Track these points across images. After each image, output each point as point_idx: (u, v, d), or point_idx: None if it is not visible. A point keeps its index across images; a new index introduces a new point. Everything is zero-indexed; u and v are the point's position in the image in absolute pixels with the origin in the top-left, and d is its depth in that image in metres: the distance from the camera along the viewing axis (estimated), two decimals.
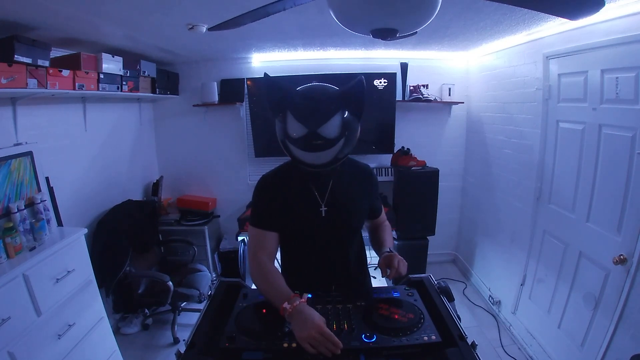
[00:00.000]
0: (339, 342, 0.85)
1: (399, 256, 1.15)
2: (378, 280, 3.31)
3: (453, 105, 3.42)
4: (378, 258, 1.24)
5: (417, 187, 3.09)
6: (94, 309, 1.98)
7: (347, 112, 1.04)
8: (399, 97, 3.25)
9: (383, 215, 1.41)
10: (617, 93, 1.70)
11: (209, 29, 1.51)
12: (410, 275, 1.24)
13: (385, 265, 1.14)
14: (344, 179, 1.20)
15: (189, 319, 2.78)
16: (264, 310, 1.03)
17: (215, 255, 3.35)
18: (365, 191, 1.26)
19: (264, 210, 1.17)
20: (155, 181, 3.33)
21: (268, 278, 1.07)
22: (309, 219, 1.16)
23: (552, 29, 2.12)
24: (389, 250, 1.22)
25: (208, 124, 3.45)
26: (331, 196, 1.17)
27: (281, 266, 1.31)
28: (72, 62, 2.08)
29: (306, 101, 1.04)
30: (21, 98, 1.89)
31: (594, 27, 1.82)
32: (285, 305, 0.94)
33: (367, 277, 1.37)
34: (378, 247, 1.31)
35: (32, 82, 1.76)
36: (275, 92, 1.08)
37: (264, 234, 1.15)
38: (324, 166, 1.08)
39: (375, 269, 3.48)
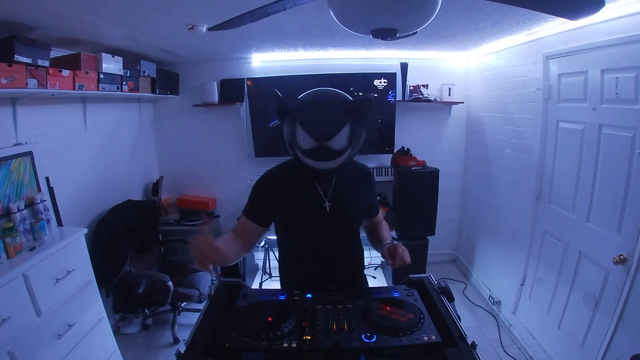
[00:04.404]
0: (218, 248, 0.96)
1: (402, 245, 1.18)
2: (378, 280, 3.33)
3: (453, 105, 3.42)
4: (379, 255, 1.27)
5: (417, 187, 3.09)
6: (94, 309, 1.98)
7: (354, 124, 1.08)
8: (399, 97, 3.25)
9: (380, 215, 1.45)
10: (617, 93, 1.70)
11: (209, 29, 1.51)
12: (410, 275, 1.25)
13: (390, 255, 1.17)
14: (346, 177, 1.23)
15: (189, 319, 2.78)
16: (265, 312, 1.03)
17: None
18: (365, 189, 1.31)
19: (258, 204, 1.21)
20: (155, 181, 3.33)
21: (221, 238, 1.15)
22: (314, 214, 1.19)
23: (552, 29, 2.12)
24: (390, 241, 1.26)
25: (208, 124, 3.45)
26: (334, 193, 1.21)
27: (284, 264, 1.34)
28: (72, 62, 2.08)
29: (315, 115, 1.08)
30: (21, 98, 1.89)
31: (594, 27, 1.82)
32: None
33: (365, 278, 1.41)
34: (378, 243, 1.35)
35: (32, 82, 1.76)
36: (285, 108, 1.11)
37: (248, 222, 1.21)
38: (330, 170, 1.13)
39: (375, 269, 3.48)
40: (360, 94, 1.12)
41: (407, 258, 1.15)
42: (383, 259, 1.22)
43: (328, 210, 1.19)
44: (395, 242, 1.23)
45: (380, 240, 1.33)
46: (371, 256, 3.38)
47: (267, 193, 1.20)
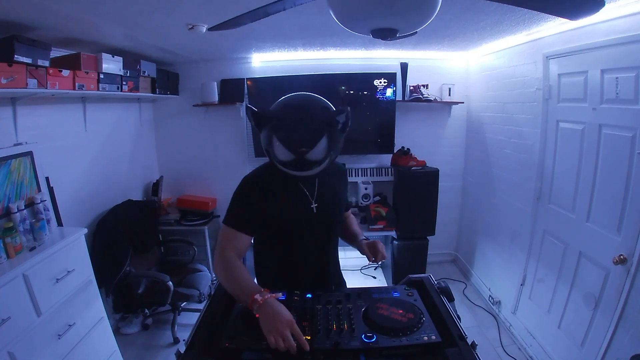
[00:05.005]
0: (307, 344, 0.86)
1: (380, 241, 1.24)
2: (378, 280, 3.33)
3: (453, 105, 3.42)
4: (357, 250, 1.32)
5: (417, 187, 3.09)
6: (94, 309, 1.98)
7: (332, 134, 1.08)
8: (399, 97, 3.25)
9: (350, 210, 1.53)
10: (617, 93, 1.70)
11: (209, 29, 1.51)
12: (410, 275, 1.26)
13: (371, 252, 1.23)
14: (327, 177, 1.25)
15: (189, 319, 2.78)
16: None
17: None
18: (343, 187, 1.35)
19: (241, 212, 1.17)
20: (155, 181, 3.33)
21: (236, 273, 1.07)
22: (303, 216, 1.20)
23: (552, 29, 2.12)
24: (365, 237, 1.32)
25: (208, 124, 3.45)
26: (319, 193, 1.22)
27: (262, 267, 1.32)
28: (72, 62, 2.07)
29: (291, 127, 1.07)
30: (21, 98, 1.89)
31: (594, 27, 1.82)
32: (257, 296, 0.94)
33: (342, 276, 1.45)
34: (351, 237, 1.39)
35: (32, 82, 1.75)
36: (261, 118, 1.11)
37: (237, 234, 1.15)
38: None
39: (375, 269, 3.49)
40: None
41: (385, 253, 1.24)
42: (363, 255, 1.27)
43: (315, 211, 1.20)
44: (369, 239, 1.30)
45: (354, 235, 1.37)
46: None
47: (251, 200, 1.16)
